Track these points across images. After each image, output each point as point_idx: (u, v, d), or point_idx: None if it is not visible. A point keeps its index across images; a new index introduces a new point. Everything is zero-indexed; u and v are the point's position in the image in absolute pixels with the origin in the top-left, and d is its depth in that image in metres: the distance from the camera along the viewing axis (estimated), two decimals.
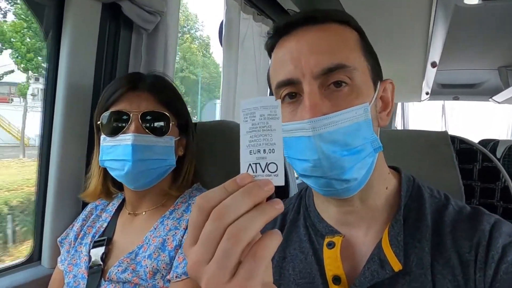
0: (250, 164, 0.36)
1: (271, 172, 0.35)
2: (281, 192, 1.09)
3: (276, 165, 0.35)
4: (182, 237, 0.74)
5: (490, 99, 3.98)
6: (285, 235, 0.62)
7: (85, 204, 0.94)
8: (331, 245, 0.54)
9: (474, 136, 4.07)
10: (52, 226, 0.93)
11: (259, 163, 0.36)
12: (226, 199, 0.32)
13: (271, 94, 0.58)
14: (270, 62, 0.60)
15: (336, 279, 0.52)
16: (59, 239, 0.90)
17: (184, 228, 0.76)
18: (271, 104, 0.36)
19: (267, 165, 0.36)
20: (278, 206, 0.33)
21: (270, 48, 0.59)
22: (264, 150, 0.36)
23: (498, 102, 3.86)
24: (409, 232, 0.52)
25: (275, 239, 0.33)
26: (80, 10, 0.91)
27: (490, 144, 3.55)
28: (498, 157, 3.27)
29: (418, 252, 0.50)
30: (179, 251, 0.73)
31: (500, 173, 0.73)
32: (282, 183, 0.35)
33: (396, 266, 0.49)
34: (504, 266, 0.46)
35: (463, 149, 0.77)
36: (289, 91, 0.52)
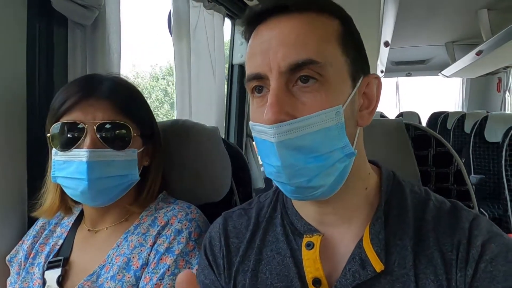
0: None
1: None
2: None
3: None
4: (149, 255, 0.68)
5: (439, 74, 4.21)
6: (261, 234, 0.59)
7: (31, 220, 0.85)
8: (310, 245, 0.52)
9: (427, 110, 4.32)
10: None
11: None
12: None
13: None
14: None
15: (316, 282, 0.50)
16: (7, 257, 0.80)
17: (150, 245, 0.69)
18: None
19: None
20: None
21: (246, 37, 0.55)
22: None
23: (447, 76, 4.08)
24: (390, 230, 0.51)
25: None
26: (1, 9, 0.79)
27: (442, 117, 3.77)
28: (449, 128, 3.49)
29: (400, 250, 0.49)
30: (146, 270, 0.67)
31: (453, 158, 0.75)
32: None
33: (378, 266, 0.47)
34: (483, 265, 0.45)
35: (418, 136, 0.79)
36: (257, 85, 0.50)
